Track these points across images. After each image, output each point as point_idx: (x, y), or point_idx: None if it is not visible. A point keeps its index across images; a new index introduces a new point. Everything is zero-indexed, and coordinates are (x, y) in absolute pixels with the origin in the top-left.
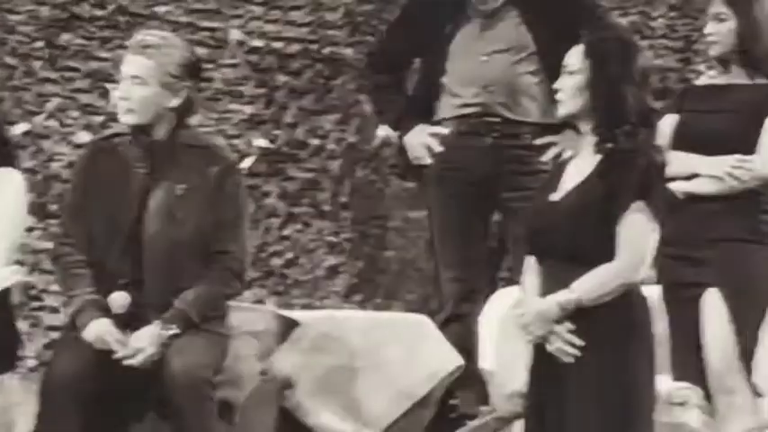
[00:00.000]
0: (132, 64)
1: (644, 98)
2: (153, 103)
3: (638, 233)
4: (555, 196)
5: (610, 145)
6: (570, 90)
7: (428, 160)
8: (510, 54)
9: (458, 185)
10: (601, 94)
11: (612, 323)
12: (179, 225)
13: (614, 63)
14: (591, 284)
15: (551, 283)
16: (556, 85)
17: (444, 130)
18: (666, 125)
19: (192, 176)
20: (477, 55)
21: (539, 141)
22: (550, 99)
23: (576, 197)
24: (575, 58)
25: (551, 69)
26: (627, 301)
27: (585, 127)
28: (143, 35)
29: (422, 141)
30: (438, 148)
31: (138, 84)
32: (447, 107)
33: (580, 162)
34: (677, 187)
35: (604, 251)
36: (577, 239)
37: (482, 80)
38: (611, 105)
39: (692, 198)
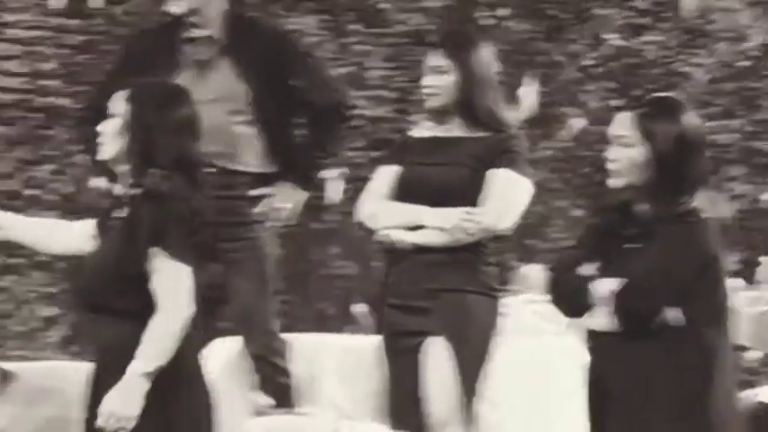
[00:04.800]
0: None
1: (183, 145)
2: None
3: (171, 287)
4: (94, 248)
5: (135, 191)
6: (111, 134)
7: None
8: (225, 104)
9: None
10: (134, 139)
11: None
12: None
13: (151, 109)
14: (150, 349)
15: (88, 338)
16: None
17: None
18: (385, 176)
19: None
20: None
21: (254, 193)
22: (267, 149)
23: (101, 247)
24: (118, 103)
25: (266, 119)
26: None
27: (122, 170)
28: None
29: None
30: None
31: None
32: None
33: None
34: (402, 238)
35: (138, 299)
36: (102, 290)
37: None
38: (142, 150)
39: (415, 249)
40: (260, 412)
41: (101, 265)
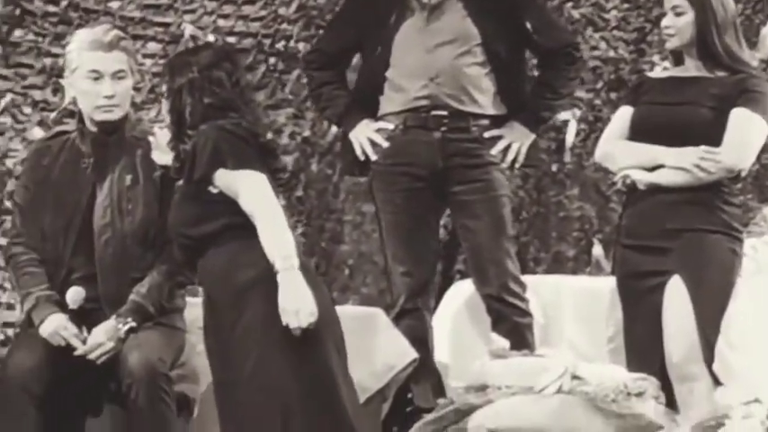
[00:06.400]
0: (111, 60)
1: (213, 102)
2: (129, 96)
3: (250, 193)
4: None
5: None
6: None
7: (374, 156)
8: (456, 46)
9: (405, 180)
10: (169, 110)
11: None
12: (128, 216)
13: (177, 76)
14: (275, 249)
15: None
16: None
17: (389, 125)
18: (622, 116)
19: (139, 167)
20: (422, 47)
21: (487, 134)
22: (498, 90)
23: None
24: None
25: (497, 61)
26: None
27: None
28: (104, 30)
29: (367, 137)
30: (384, 144)
31: (121, 78)
32: (392, 101)
33: None
34: (641, 178)
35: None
36: (187, 230)
37: (429, 72)
38: (176, 119)
39: (653, 189)
40: (497, 354)
41: (178, 211)
